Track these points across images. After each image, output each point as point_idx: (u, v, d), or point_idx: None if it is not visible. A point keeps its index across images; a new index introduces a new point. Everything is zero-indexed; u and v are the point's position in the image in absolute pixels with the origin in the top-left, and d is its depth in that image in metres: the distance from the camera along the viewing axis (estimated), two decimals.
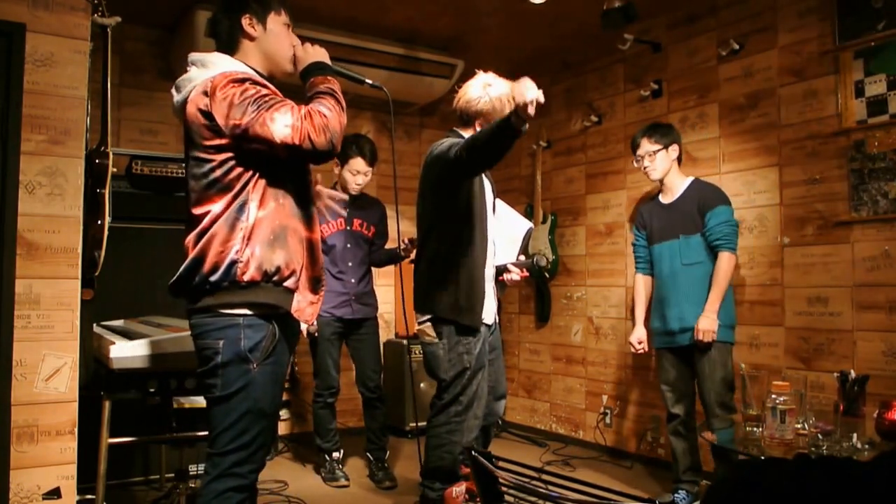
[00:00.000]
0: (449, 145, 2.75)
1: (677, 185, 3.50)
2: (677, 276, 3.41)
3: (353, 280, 3.89)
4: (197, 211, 1.94)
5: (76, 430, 2.57)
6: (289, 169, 1.96)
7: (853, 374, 2.42)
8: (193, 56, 2.02)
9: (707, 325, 3.23)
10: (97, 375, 2.92)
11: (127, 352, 2.56)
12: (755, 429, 2.46)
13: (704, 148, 4.05)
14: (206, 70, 1.96)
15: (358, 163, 3.84)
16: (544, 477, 1.36)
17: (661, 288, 3.49)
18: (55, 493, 2.51)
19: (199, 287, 1.91)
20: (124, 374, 2.57)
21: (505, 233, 3.23)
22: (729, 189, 3.84)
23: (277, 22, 2.06)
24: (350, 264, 3.89)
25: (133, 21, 4.29)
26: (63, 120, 2.57)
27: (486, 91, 2.99)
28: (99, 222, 2.64)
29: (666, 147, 3.46)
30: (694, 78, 4.13)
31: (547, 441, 4.84)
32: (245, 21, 2.01)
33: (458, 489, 2.96)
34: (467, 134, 2.94)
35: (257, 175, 1.91)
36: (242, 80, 1.87)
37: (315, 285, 2.05)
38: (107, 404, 2.59)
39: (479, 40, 4.80)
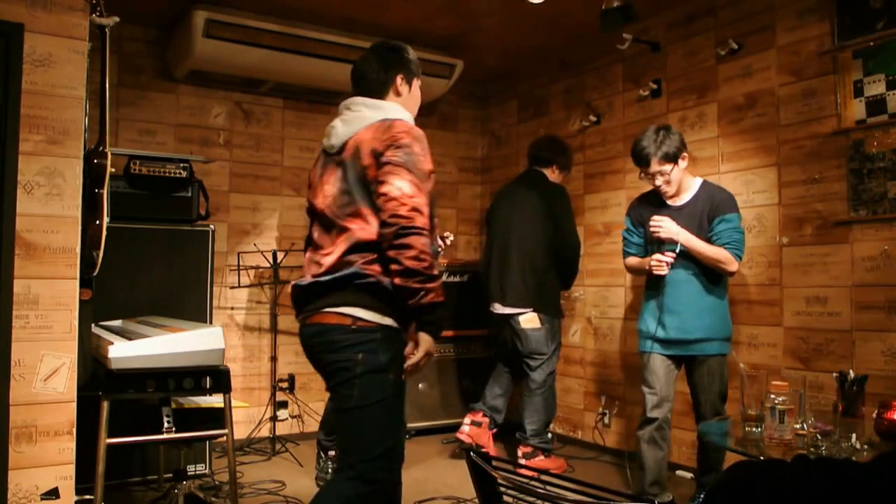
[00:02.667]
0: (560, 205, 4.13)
1: (687, 188, 3.28)
2: (681, 284, 3.19)
3: None
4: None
5: (74, 430, 2.56)
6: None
7: (852, 374, 2.42)
8: (362, 100, 2.27)
9: (671, 228, 3.10)
10: (95, 375, 2.92)
11: (125, 352, 2.56)
12: (754, 429, 2.46)
13: (703, 148, 4.05)
14: (382, 112, 2.21)
15: None
16: (542, 477, 1.36)
17: (662, 294, 3.23)
18: (53, 493, 2.51)
19: (339, 287, 2.11)
20: (123, 374, 2.57)
21: None
22: (728, 189, 3.84)
23: (417, 86, 2.41)
24: None
25: (131, 21, 4.29)
26: (61, 120, 2.56)
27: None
28: (97, 222, 2.63)
29: (677, 161, 3.20)
30: (693, 78, 4.13)
31: None
32: (399, 79, 2.32)
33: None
34: (547, 172, 4.26)
35: None
36: (420, 138, 2.14)
37: None
38: (105, 404, 2.59)
39: (478, 40, 4.80)
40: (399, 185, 2.04)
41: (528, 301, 4.04)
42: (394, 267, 2.04)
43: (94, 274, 2.68)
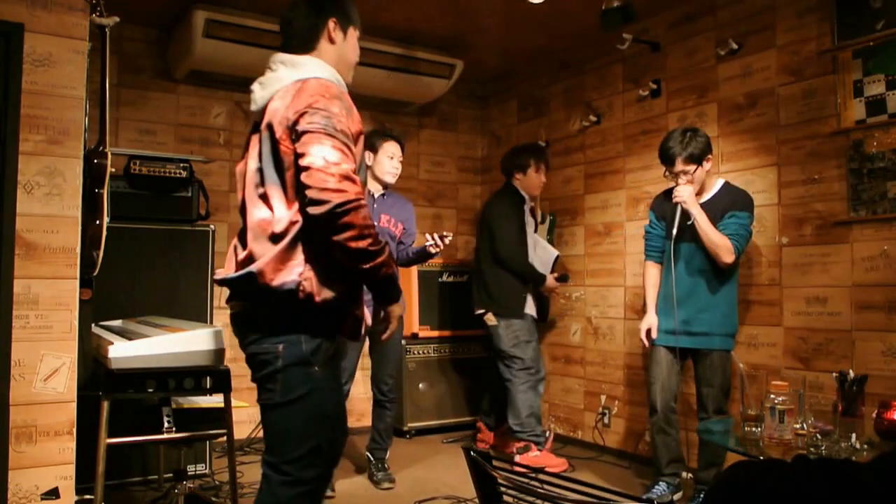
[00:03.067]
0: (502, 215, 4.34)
1: (708, 187, 3.42)
2: (691, 280, 3.36)
3: None
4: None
5: (74, 430, 2.56)
6: None
7: (852, 374, 2.43)
8: (282, 56, 2.05)
9: (690, 198, 3.28)
10: (95, 375, 2.92)
11: (125, 352, 2.56)
12: (754, 429, 2.47)
13: None
14: (297, 70, 1.99)
15: (392, 145, 3.79)
16: (542, 477, 1.36)
17: (673, 286, 3.38)
18: (54, 493, 2.51)
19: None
20: (123, 374, 2.57)
21: (539, 256, 4.46)
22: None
23: (354, 35, 2.15)
24: None
25: (131, 21, 4.29)
26: (61, 120, 2.56)
27: None
28: (97, 222, 2.64)
29: (701, 163, 3.32)
30: (693, 77, 4.13)
31: None
32: (331, 24, 2.07)
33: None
34: (514, 181, 4.42)
35: None
36: (338, 95, 1.91)
37: None
38: (105, 404, 2.59)
39: (478, 40, 4.80)
40: (322, 154, 1.79)
41: (481, 303, 4.41)
42: (338, 254, 1.85)
43: (95, 274, 2.68)
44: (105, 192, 2.66)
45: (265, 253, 1.90)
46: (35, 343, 2.50)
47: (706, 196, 3.41)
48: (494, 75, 5.61)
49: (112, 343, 2.60)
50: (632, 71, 4.53)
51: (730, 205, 3.33)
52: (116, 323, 3.40)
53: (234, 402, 2.85)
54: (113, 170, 2.74)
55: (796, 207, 3.57)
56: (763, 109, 3.75)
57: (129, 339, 2.72)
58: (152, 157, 3.84)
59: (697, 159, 3.30)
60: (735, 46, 3.85)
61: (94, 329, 3.11)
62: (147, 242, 3.75)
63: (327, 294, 1.91)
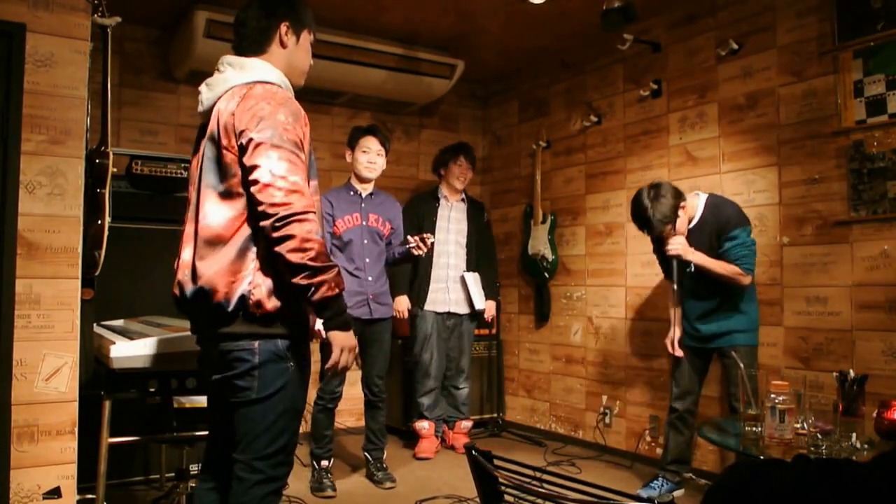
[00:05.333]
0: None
1: (693, 209, 3.39)
2: (701, 295, 3.39)
3: (370, 278, 3.77)
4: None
5: (76, 429, 2.57)
6: None
7: (852, 373, 2.43)
8: (230, 58, 2.04)
9: (679, 246, 3.27)
10: (97, 375, 2.92)
11: (127, 351, 2.56)
12: (755, 428, 2.47)
13: (704, 147, 4.05)
14: (244, 73, 1.98)
15: (368, 140, 3.81)
16: (543, 476, 1.36)
17: (687, 299, 3.49)
18: (55, 492, 2.51)
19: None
20: (124, 373, 2.57)
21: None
22: (729, 188, 3.85)
23: (307, 39, 2.12)
24: (368, 260, 3.78)
25: (133, 21, 4.29)
26: (63, 120, 2.57)
27: None
28: (99, 222, 2.64)
29: (675, 217, 3.28)
30: (693, 78, 4.13)
31: (546, 441, 4.84)
32: (283, 27, 2.05)
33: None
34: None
35: None
36: (284, 102, 1.90)
37: None
38: (107, 404, 2.59)
39: (478, 40, 4.80)
40: (269, 168, 1.80)
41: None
42: (280, 266, 1.83)
43: (96, 274, 2.68)
44: (107, 192, 2.67)
45: (215, 263, 1.89)
46: (37, 343, 2.51)
47: (695, 220, 3.37)
48: (495, 75, 5.61)
49: (114, 343, 2.60)
50: (632, 71, 4.54)
51: (721, 227, 3.28)
52: (118, 323, 3.40)
53: None
54: (114, 170, 2.74)
55: (797, 207, 3.58)
56: (763, 109, 3.75)
57: (131, 338, 2.72)
58: (154, 157, 3.84)
59: (670, 219, 3.26)
60: (735, 47, 3.85)
61: (96, 329, 3.12)
62: (149, 242, 3.76)
63: (277, 303, 1.88)
